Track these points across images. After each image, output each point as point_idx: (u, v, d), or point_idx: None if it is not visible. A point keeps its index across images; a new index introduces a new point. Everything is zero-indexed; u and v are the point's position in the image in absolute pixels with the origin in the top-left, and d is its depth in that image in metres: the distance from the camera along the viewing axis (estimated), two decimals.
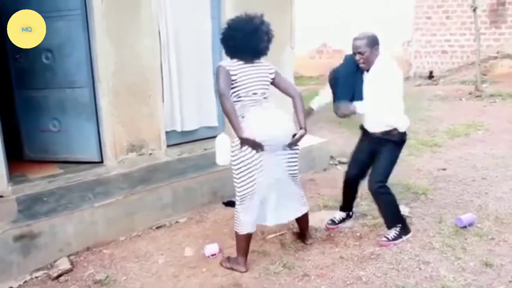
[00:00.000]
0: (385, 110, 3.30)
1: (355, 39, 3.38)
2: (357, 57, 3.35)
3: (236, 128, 2.97)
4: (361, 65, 3.36)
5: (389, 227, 3.55)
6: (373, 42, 3.34)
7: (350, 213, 3.92)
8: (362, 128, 3.65)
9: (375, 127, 3.48)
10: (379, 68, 3.35)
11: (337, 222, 3.82)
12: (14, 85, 4.49)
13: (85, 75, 4.26)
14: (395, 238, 3.48)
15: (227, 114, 2.99)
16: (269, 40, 3.19)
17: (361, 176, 3.67)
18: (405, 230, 3.56)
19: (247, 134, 2.95)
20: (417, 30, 13.28)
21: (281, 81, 3.28)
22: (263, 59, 3.25)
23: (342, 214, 3.86)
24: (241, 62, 3.12)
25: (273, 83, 3.25)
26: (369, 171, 3.57)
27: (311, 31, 12.68)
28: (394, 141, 3.44)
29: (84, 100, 4.32)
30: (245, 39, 3.07)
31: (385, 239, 3.49)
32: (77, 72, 4.28)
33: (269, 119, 3.09)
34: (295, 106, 3.24)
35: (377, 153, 3.50)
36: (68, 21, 4.17)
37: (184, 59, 4.74)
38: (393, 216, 3.55)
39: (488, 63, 12.38)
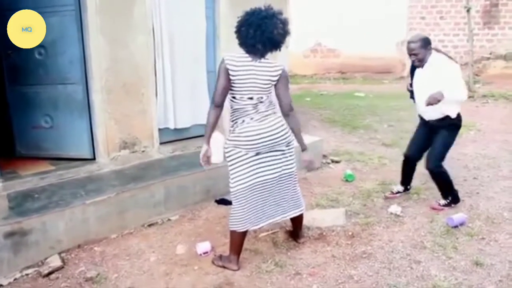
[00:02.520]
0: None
1: (409, 42, 3.82)
2: (412, 57, 3.83)
3: (205, 137, 3.13)
4: (416, 64, 3.86)
5: (444, 197, 4.12)
6: (426, 43, 3.78)
7: (408, 187, 4.45)
8: (420, 116, 4.20)
9: (431, 115, 3.96)
10: (437, 65, 3.79)
11: (394, 192, 4.40)
12: (6, 81, 4.47)
13: (78, 72, 4.24)
14: (446, 205, 4.08)
15: (206, 122, 3.09)
16: (285, 33, 3.00)
17: (418, 156, 4.22)
18: (454, 200, 4.11)
19: (204, 148, 3.13)
20: (411, 30, 13.30)
21: (280, 88, 3.08)
22: (273, 57, 3.09)
23: (401, 188, 4.42)
24: (247, 59, 2.99)
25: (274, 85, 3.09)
26: (425, 153, 4.12)
27: (305, 30, 12.69)
28: (449, 125, 3.94)
29: (77, 96, 4.30)
30: (260, 25, 2.90)
31: (437, 203, 4.10)
32: (70, 69, 4.25)
33: (260, 125, 3.05)
34: (288, 123, 3.14)
35: (433, 137, 4.02)
36: (62, 17, 4.14)
37: (177, 56, 4.73)
38: (447, 190, 4.11)
39: (481, 64, 12.47)
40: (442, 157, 4.00)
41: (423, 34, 3.92)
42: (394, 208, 4.06)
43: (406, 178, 4.42)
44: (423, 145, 4.14)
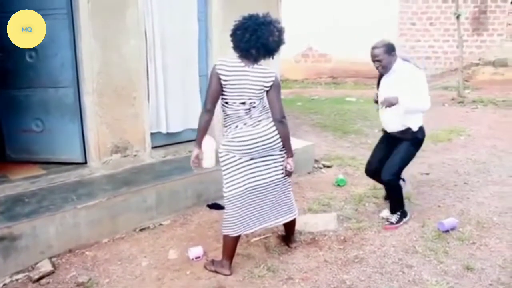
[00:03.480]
0: (403, 110, 3.66)
1: (373, 48, 3.70)
2: (376, 64, 3.71)
3: (196, 141, 3.16)
4: (380, 71, 3.75)
5: (393, 212, 3.98)
6: (390, 49, 3.67)
7: None
8: (382, 130, 4.11)
9: (393, 126, 3.87)
10: (401, 71, 3.69)
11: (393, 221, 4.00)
12: None
13: (70, 75, 4.21)
14: (398, 221, 3.90)
15: (198, 126, 3.13)
16: (280, 41, 3.00)
17: (380, 167, 3.96)
18: (404, 214, 3.97)
19: (195, 151, 3.15)
20: (402, 35, 13.44)
21: (272, 95, 3.05)
22: (265, 63, 3.07)
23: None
24: (240, 64, 2.98)
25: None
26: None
27: (297, 35, 12.73)
28: (411, 139, 3.82)
29: (68, 100, 4.27)
30: (256, 30, 2.89)
31: (389, 223, 3.90)
32: (62, 72, 4.23)
33: (254, 130, 3.05)
34: (277, 129, 3.09)
35: (393, 150, 3.89)
36: (54, 20, 4.10)
37: (170, 61, 4.72)
38: (397, 204, 3.97)
39: (471, 70, 12.61)
40: (398, 170, 3.86)
41: (387, 40, 3.77)
42: (386, 213, 4.08)
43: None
44: (384, 157, 3.96)
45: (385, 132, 4.07)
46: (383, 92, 3.81)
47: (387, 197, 4.21)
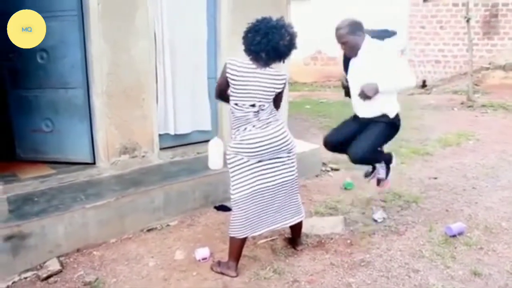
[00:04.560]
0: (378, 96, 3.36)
1: (337, 29, 3.39)
2: (342, 47, 3.40)
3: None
4: (348, 53, 3.41)
5: (375, 166, 3.75)
6: (354, 29, 3.35)
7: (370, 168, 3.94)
8: (354, 115, 3.75)
9: (367, 111, 3.52)
10: (373, 49, 3.36)
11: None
12: (7, 84, 4.47)
13: (80, 76, 4.25)
14: (387, 173, 3.72)
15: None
16: (291, 45, 2.99)
17: (340, 144, 3.69)
18: (387, 161, 3.73)
19: None
20: (411, 39, 13.39)
21: (279, 96, 3.12)
22: (275, 66, 3.06)
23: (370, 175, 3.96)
24: (251, 66, 2.99)
25: None
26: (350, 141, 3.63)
27: (306, 38, 12.71)
28: (384, 122, 3.51)
29: (78, 101, 4.31)
30: (267, 33, 2.89)
31: (377, 180, 3.76)
32: (72, 73, 4.27)
33: (262, 132, 3.06)
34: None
35: (363, 129, 3.55)
36: (64, 21, 4.16)
37: (179, 62, 4.75)
38: (375, 161, 3.73)
39: (481, 74, 12.51)
40: (371, 149, 3.52)
41: (352, 18, 3.41)
42: (379, 215, 4.03)
43: (342, 151, 3.74)
44: (350, 135, 3.61)
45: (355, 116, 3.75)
46: (355, 77, 3.50)
47: (367, 174, 3.94)
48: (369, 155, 3.54)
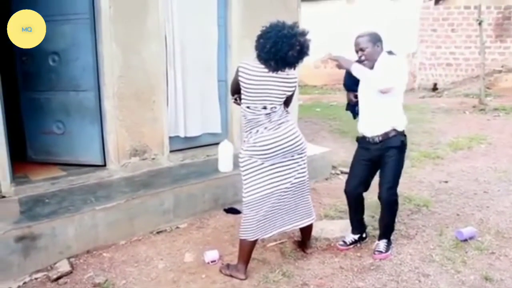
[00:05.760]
0: (388, 108, 3.34)
1: (357, 37, 3.38)
2: (359, 53, 3.35)
3: None
4: (364, 62, 3.33)
5: (382, 237, 3.55)
6: (375, 39, 3.34)
7: (364, 234, 3.72)
8: (358, 140, 3.64)
9: (378, 128, 3.41)
10: (385, 64, 3.30)
11: (348, 243, 3.64)
12: (20, 86, 4.52)
13: (91, 79, 4.29)
14: (387, 249, 3.50)
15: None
16: (301, 55, 2.93)
17: (364, 188, 3.60)
18: (390, 241, 3.58)
19: None
20: (422, 42, 13.33)
21: (289, 97, 3.15)
22: (289, 70, 3.03)
23: (354, 236, 3.67)
24: (263, 70, 2.96)
25: None
26: (370, 181, 3.60)
27: (316, 41, 12.71)
28: (395, 147, 3.39)
29: (89, 103, 4.35)
30: (277, 43, 2.84)
31: (377, 252, 3.49)
32: (83, 76, 4.31)
33: (275, 133, 3.06)
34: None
35: (378, 163, 3.47)
36: (76, 24, 4.20)
37: (189, 65, 4.77)
38: (388, 227, 3.58)
39: (493, 77, 12.42)
40: (395, 184, 3.43)
41: (373, 30, 3.42)
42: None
43: (356, 220, 3.69)
44: (365, 177, 3.56)
45: (362, 143, 3.60)
46: (364, 92, 3.44)
47: (353, 216, 3.70)
48: (395, 190, 3.44)
